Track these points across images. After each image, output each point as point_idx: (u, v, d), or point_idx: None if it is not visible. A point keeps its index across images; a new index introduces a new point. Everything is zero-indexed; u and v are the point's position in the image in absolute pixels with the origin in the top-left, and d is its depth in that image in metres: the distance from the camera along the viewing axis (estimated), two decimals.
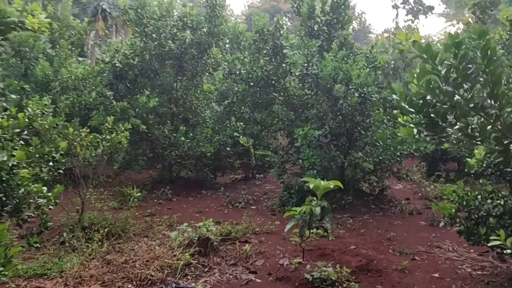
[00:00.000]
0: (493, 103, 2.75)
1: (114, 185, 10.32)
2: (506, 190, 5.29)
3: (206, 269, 5.45)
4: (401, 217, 8.22)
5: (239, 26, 15.06)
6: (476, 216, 4.98)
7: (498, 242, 2.28)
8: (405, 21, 22.85)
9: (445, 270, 5.56)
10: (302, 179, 8.26)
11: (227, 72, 9.40)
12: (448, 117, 2.95)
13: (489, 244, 2.64)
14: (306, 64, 7.77)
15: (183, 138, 10.13)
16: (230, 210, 8.92)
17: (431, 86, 2.83)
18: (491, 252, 6.02)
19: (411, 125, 3.33)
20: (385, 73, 11.48)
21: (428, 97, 3.05)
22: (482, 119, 2.82)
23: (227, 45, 13.50)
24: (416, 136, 3.22)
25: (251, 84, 9.31)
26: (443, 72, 2.82)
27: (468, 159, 7.37)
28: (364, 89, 7.34)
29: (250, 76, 9.18)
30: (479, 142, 2.94)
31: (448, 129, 2.97)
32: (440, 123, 2.99)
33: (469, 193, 5.02)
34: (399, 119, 3.76)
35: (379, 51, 8.35)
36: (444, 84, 2.86)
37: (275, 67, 8.94)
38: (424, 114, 3.04)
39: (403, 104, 3.20)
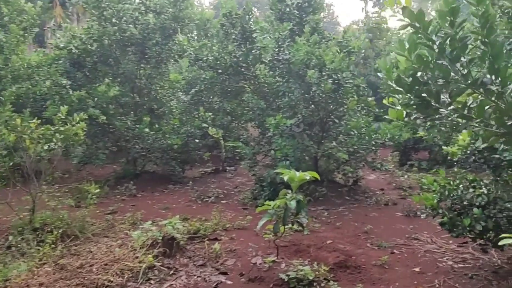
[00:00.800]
0: (493, 78, 2.39)
1: (73, 181, 9.65)
2: (488, 178, 5.04)
3: (171, 272, 4.97)
4: (377, 209, 7.97)
5: (207, 13, 14.48)
6: (459, 206, 4.70)
7: (510, 241, 1.91)
8: (371, 13, 22.93)
9: (426, 263, 5.30)
10: (275, 171, 7.88)
11: (193, 58, 8.84)
12: (442, 96, 2.58)
13: (499, 243, 2.35)
14: (277, 49, 7.34)
15: (147, 130, 9.55)
16: (199, 205, 8.45)
17: (424, 60, 2.45)
18: (471, 243, 5.83)
19: (398, 107, 2.95)
20: (355, 62, 11.19)
21: (419, 74, 2.67)
22: (481, 98, 2.47)
23: (194, 32, 12.92)
24: (406, 119, 2.85)
25: (220, 71, 8.81)
26: (437, 44, 2.44)
27: (445, 147, 7.20)
28: (338, 75, 6.99)
29: (218, 63, 8.68)
30: (476, 125, 2.58)
31: (442, 110, 2.60)
32: (432, 103, 2.62)
33: (451, 183, 4.74)
34: (384, 101, 3.39)
35: (351, 38, 8.01)
36: (438, 58, 2.48)
37: (244, 53, 8.47)
38: (415, 94, 2.67)
39: (390, 83, 2.81)
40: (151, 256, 5.03)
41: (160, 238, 5.47)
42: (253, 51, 8.27)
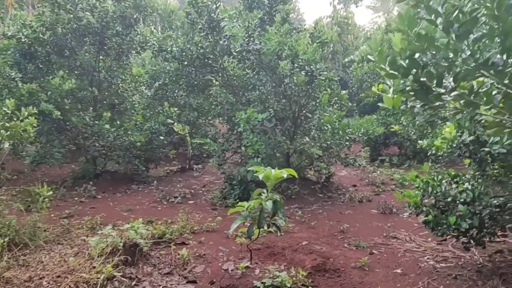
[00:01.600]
0: (505, 58, 2.07)
1: (25, 183, 8.90)
2: (468, 173, 4.81)
3: (133, 283, 4.47)
4: (351, 206, 7.72)
5: (171, 4, 13.90)
6: (443, 203, 4.45)
7: None
8: (340, 8, 23.02)
9: (407, 264, 5.04)
10: (246, 169, 7.48)
11: (156, 49, 8.27)
12: (444, 80, 2.25)
13: None
14: (246, 39, 6.92)
15: (107, 126, 8.91)
16: (164, 206, 7.93)
17: (427, 37, 2.09)
18: (450, 241, 5.64)
19: (390, 95, 2.59)
20: (324, 57, 10.92)
21: (417, 56, 2.32)
22: (491, 81, 2.15)
23: (157, 24, 12.32)
24: (402, 107, 2.51)
25: (185, 63, 8.29)
26: (442, 19, 2.09)
27: (421, 141, 7.02)
28: (312, 67, 6.65)
29: (184, 54, 8.17)
30: (484, 112, 2.26)
31: (445, 96, 2.27)
32: (433, 88, 2.28)
33: (434, 178, 4.48)
34: (373, 88, 3.05)
35: (323, 28, 7.70)
36: (442, 36, 2.14)
37: (211, 44, 8.00)
38: (413, 78, 2.31)
39: (383, 66, 2.45)
40: (111, 265, 4.52)
41: (121, 244, 4.96)
42: (221, 41, 7.81)
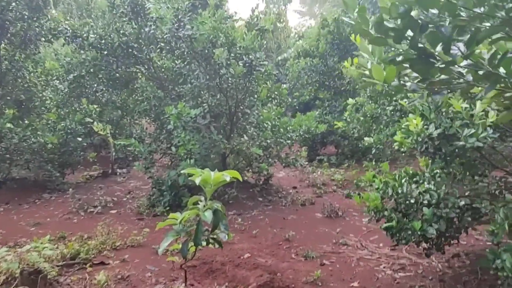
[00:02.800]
0: None
1: None
2: (427, 172, 4.39)
3: None
4: (294, 210, 7.15)
5: None
6: (404, 206, 3.96)
7: None
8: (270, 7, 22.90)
9: (363, 275, 4.52)
10: (176, 172, 6.64)
11: (69, 35, 7.11)
12: (453, 46, 1.65)
13: None
14: (176, 24, 6.07)
15: (10, 125, 7.57)
16: (81, 218, 6.83)
17: None
18: (403, 245, 5.24)
19: (368, 65, 1.95)
20: (263, 47, 10.28)
21: (414, 13, 1.70)
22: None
23: (73, 11, 11.01)
24: (394, 83, 1.88)
25: (105, 52, 7.23)
26: None
27: (367, 138, 6.63)
28: (251, 56, 5.97)
29: (103, 42, 7.12)
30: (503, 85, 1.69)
31: (453, 67, 1.67)
32: (437, 56, 1.67)
33: (396, 178, 3.98)
34: (346, 64, 2.40)
35: (261, 16, 7.08)
36: None
37: (136, 31, 7.04)
38: (410, 43, 1.69)
39: (366, 29, 1.80)
40: None
41: (18, 271, 3.93)
42: (146, 27, 6.88)
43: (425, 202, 3.84)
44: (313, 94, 11.93)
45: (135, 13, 6.99)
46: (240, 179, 3.45)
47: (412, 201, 3.88)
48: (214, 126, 6.69)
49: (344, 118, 7.08)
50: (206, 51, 6.07)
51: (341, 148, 11.65)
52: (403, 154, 3.97)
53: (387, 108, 6.68)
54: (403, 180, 4.06)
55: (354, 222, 6.48)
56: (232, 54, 6.15)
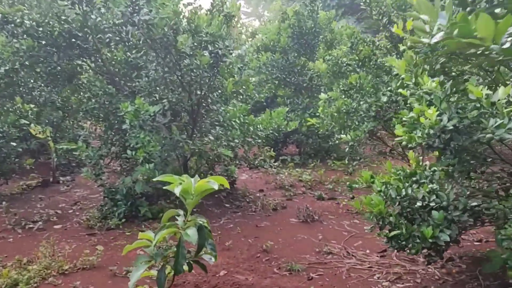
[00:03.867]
0: None
1: None
2: (427, 170, 3.97)
3: None
4: (266, 216, 6.59)
5: None
6: (410, 210, 3.51)
7: None
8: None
9: None
10: (132, 178, 5.87)
11: None
12: None
13: None
14: (130, 8, 5.30)
15: None
16: (19, 236, 5.85)
17: None
18: (391, 250, 4.82)
19: (436, 32, 1.41)
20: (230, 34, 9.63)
21: None
22: None
23: None
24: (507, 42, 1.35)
25: (43, 42, 6.28)
26: None
27: (343, 135, 6.20)
28: (218, 44, 5.33)
29: (41, 30, 6.16)
30: None
31: None
32: None
33: (400, 178, 3.52)
34: (395, 29, 1.84)
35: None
36: None
37: (80, 17, 6.16)
38: None
39: None
40: None
41: None
42: (93, 13, 6.03)
43: (433, 204, 3.41)
44: (273, 91, 11.43)
45: None
46: (227, 185, 2.84)
47: (419, 204, 3.43)
48: (175, 125, 5.97)
49: (318, 114, 6.61)
50: (166, 39, 5.35)
51: (303, 147, 11.25)
52: (411, 150, 3.51)
53: (362, 103, 6.30)
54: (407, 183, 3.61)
55: (332, 226, 6.03)
56: (196, 43, 5.47)
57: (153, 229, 4.35)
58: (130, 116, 5.18)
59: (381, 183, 3.56)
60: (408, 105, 3.85)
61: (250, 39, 16.66)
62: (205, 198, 6.93)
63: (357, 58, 7.05)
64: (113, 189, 6.26)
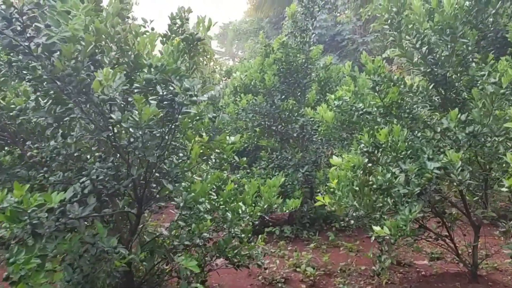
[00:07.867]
0: None
1: None
2: None
3: None
4: None
5: None
6: None
7: None
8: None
9: None
10: None
11: None
12: None
13: None
14: (20, 24, 3.12)
15: None
16: None
17: None
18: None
19: None
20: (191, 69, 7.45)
21: None
22: None
23: None
24: None
25: None
26: None
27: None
28: (173, 86, 3.20)
29: None
30: None
31: None
32: None
33: None
34: None
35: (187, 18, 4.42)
36: None
37: None
38: None
39: None
40: None
41: None
42: None
43: None
44: (254, 141, 9.29)
45: None
46: None
47: None
48: (104, 219, 3.68)
49: (331, 189, 4.46)
50: (80, 76, 3.15)
51: (295, 214, 8.99)
52: None
53: (397, 171, 4.21)
54: None
55: None
56: (136, 83, 3.30)
57: None
58: (6, 219, 2.86)
59: None
60: None
61: (225, 78, 14.66)
62: None
63: (381, 103, 5.05)
64: None
